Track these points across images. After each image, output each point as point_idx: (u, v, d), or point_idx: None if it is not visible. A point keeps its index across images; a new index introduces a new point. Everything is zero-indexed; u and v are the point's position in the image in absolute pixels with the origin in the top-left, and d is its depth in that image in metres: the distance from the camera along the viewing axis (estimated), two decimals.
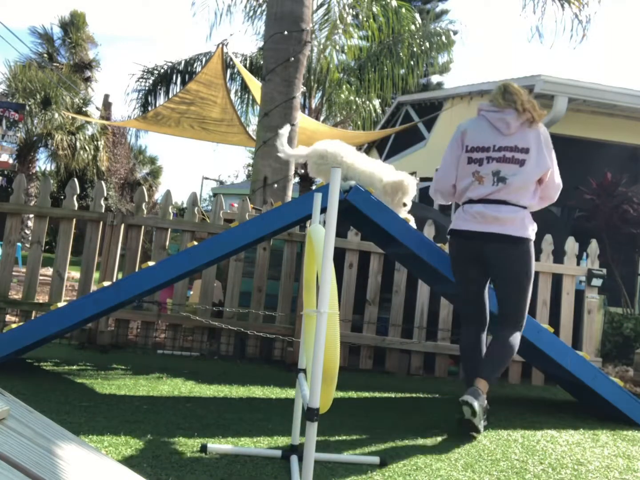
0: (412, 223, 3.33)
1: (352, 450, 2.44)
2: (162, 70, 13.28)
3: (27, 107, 16.39)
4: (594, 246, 4.69)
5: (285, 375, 4.01)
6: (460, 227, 3.00)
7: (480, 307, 3.11)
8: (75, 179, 4.54)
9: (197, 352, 4.43)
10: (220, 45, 8.95)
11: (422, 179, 7.73)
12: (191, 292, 5.34)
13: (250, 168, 26.70)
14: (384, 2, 12.13)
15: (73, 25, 23.11)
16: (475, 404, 2.71)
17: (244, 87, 13.09)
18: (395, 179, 3.32)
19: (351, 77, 13.44)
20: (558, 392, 4.16)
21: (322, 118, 13.19)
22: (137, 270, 4.24)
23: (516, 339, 2.97)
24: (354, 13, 12.54)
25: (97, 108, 22.86)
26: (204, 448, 2.20)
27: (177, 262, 3.25)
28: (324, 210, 2.04)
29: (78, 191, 4.46)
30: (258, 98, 7.04)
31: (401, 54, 12.35)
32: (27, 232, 16.40)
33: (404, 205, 3.35)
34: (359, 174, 3.31)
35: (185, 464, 2.06)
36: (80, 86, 20.41)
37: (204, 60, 12.60)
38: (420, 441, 2.67)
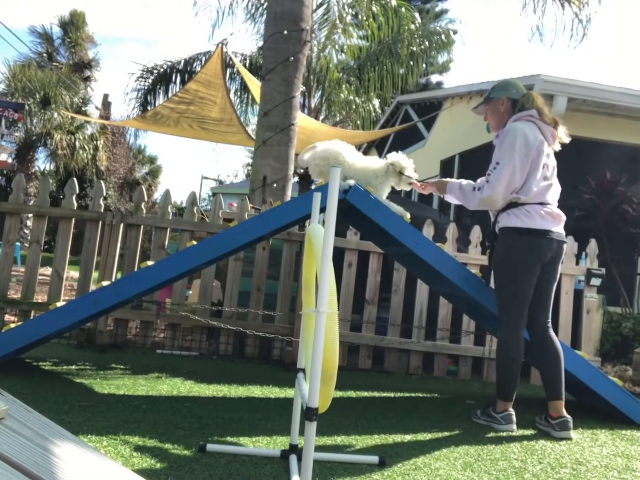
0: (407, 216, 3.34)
1: (351, 450, 2.44)
2: (162, 70, 13.28)
3: (27, 107, 16.39)
4: (592, 246, 4.69)
5: (284, 374, 4.01)
6: (548, 227, 2.99)
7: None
8: (75, 179, 4.54)
9: (196, 352, 4.43)
10: (220, 45, 8.92)
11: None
12: (190, 292, 5.34)
13: (249, 167, 26.68)
14: (383, 2, 12.14)
15: (73, 24, 23.10)
16: (572, 434, 2.94)
17: (244, 87, 13.09)
18: (391, 160, 3.34)
19: (351, 76, 13.44)
20: None
21: (321, 117, 13.19)
22: (136, 269, 4.25)
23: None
24: (354, 12, 12.55)
25: (97, 107, 22.86)
26: (202, 448, 2.20)
27: (176, 261, 3.25)
28: (323, 209, 2.04)
29: (77, 191, 4.46)
30: (257, 97, 7.04)
31: (401, 53, 12.36)
32: (26, 231, 16.40)
33: (410, 178, 3.36)
34: (359, 173, 3.31)
35: (184, 464, 2.05)
36: (80, 86, 20.40)
37: (203, 59, 12.61)
38: (419, 440, 2.67)
